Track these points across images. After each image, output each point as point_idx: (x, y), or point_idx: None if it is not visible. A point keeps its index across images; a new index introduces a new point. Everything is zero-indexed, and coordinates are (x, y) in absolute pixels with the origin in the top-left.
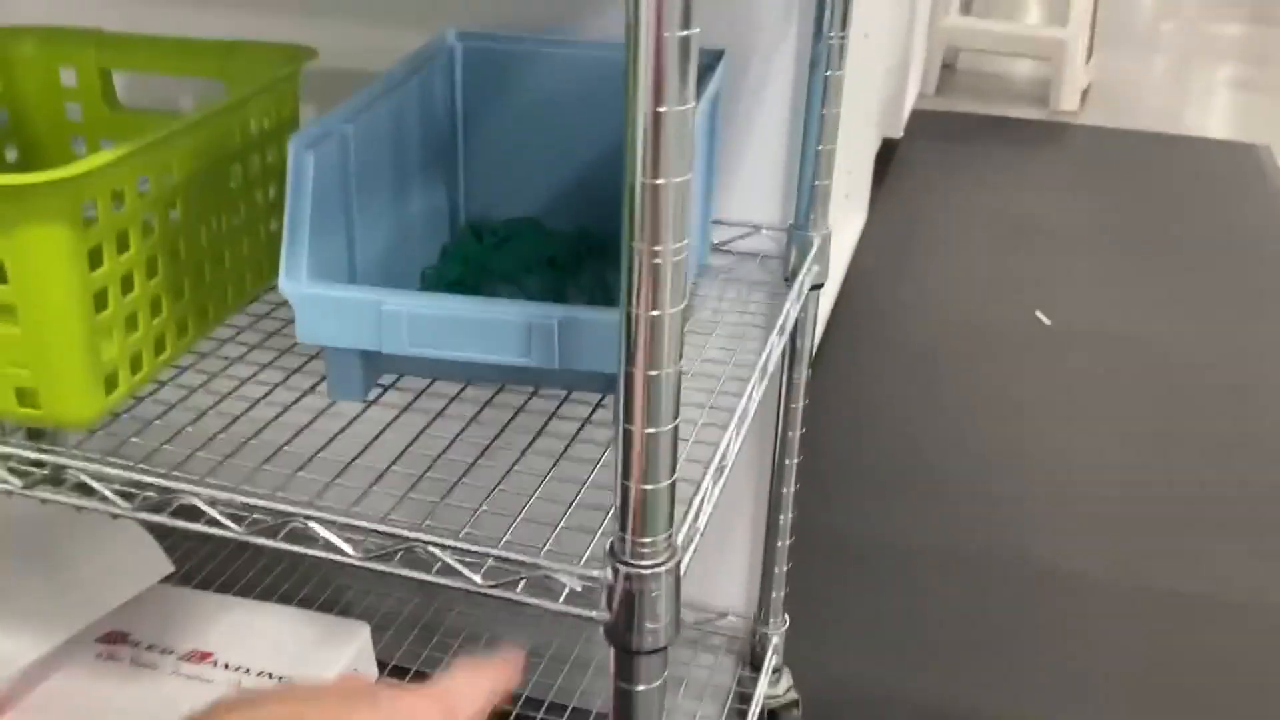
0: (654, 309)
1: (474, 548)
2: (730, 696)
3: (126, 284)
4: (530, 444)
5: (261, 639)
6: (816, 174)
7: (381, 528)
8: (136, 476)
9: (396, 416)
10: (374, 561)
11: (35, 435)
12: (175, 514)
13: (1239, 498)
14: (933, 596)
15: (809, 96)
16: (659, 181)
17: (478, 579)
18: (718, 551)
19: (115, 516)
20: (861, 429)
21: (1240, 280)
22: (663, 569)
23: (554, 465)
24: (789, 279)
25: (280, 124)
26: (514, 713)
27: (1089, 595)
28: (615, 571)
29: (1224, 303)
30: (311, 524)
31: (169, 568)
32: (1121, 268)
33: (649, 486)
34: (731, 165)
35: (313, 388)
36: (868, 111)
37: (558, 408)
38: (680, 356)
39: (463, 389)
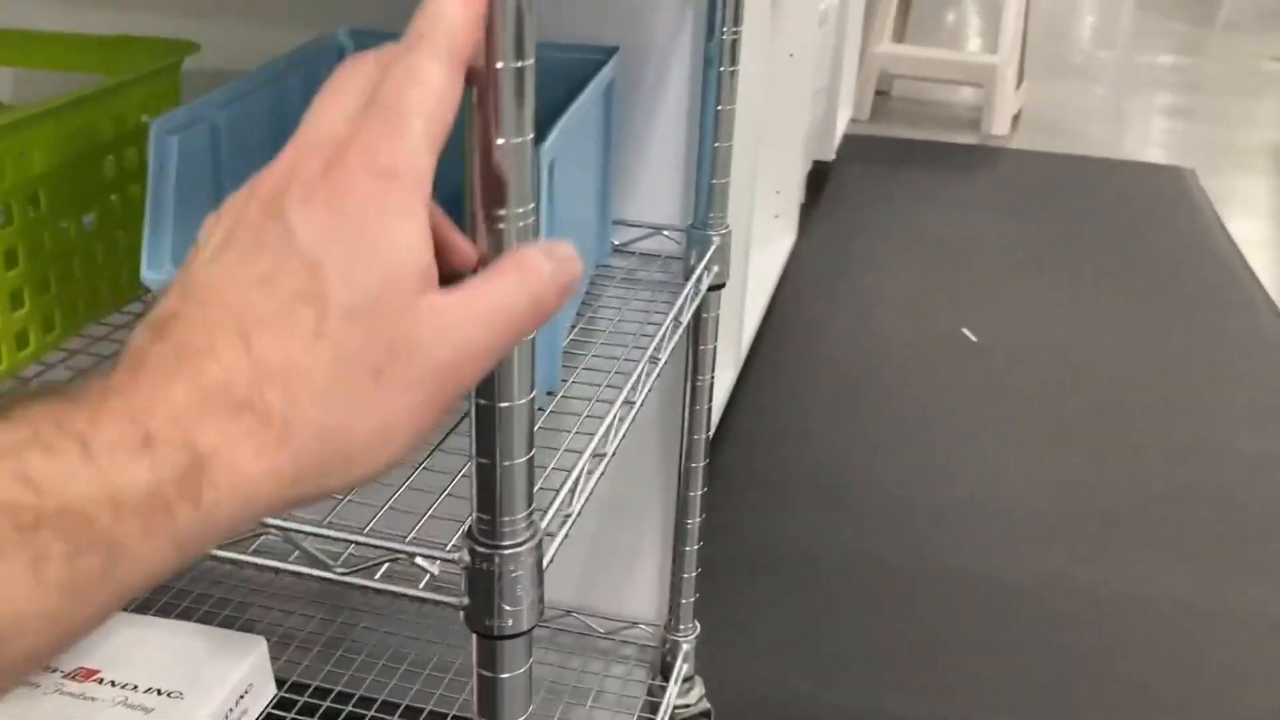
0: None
1: (333, 533)
2: (640, 707)
3: None
4: None
5: (151, 655)
6: (714, 172)
7: None
8: None
9: None
10: (228, 549)
11: None
12: None
13: (1163, 508)
14: (853, 607)
15: (704, 93)
16: (499, 213)
17: (337, 567)
18: (627, 560)
19: None
20: (787, 442)
21: (1164, 297)
22: (522, 549)
23: (427, 455)
24: (688, 278)
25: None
26: None
27: (1012, 605)
28: (472, 553)
29: (1148, 319)
30: None
31: None
32: (1048, 287)
33: (506, 463)
34: (632, 166)
35: None
36: (795, 131)
37: None
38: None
39: None
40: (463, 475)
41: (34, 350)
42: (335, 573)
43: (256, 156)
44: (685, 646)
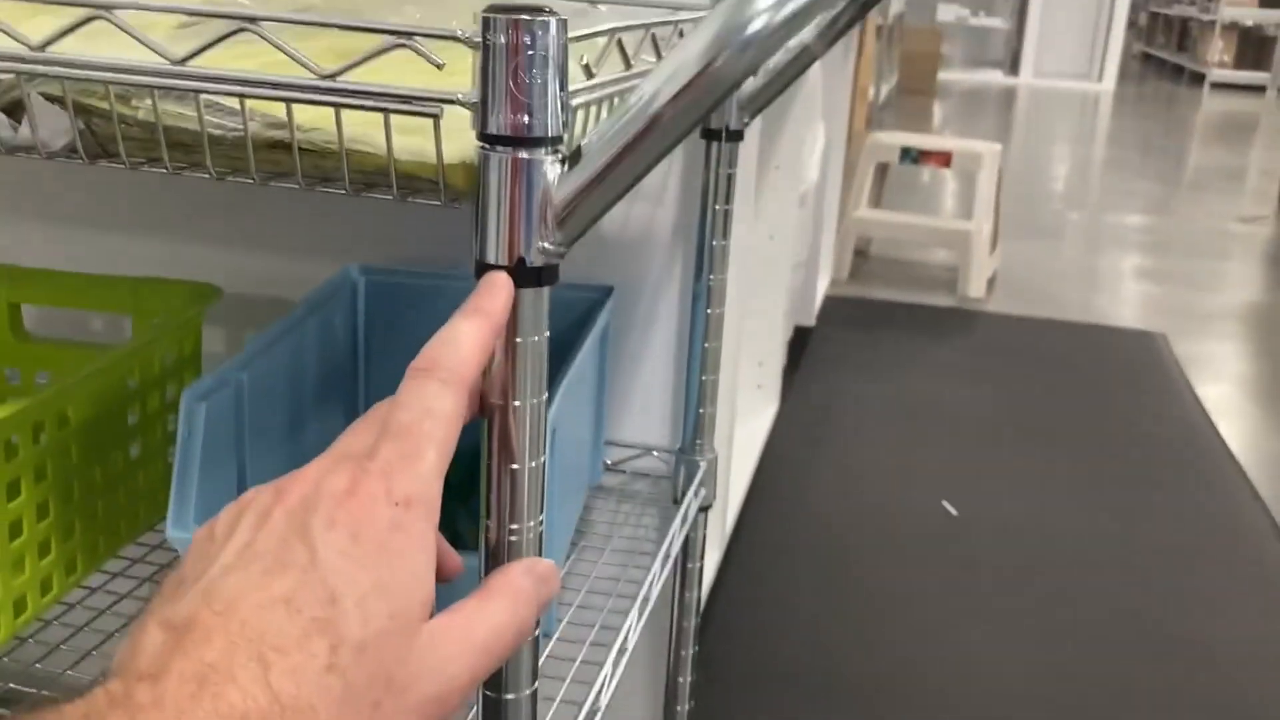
0: (512, 522)
1: None
2: None
3: (15, 529)
4: None
5: None
6: (701, 402)
7: None
8: None
9: None
10: None
11: None
12: None
13: (1138, 694)
14: None
15: (691, 331)
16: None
17: None
18: None
19: None
20: (768, 620)
21: (1139, 471)
22: None
23: None
24: (677, 501)
25: (181, 360)
26: None
27: None
28: None
29: (1125, 495)
30: None
31: None
32: (1026, 457)
33: (509, 696)
34: (625, 391)
35: None
36: (776, 304)
37: None
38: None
39: None
40: None
41: (56, 593)
42: None
43: (277, 406)
44: None
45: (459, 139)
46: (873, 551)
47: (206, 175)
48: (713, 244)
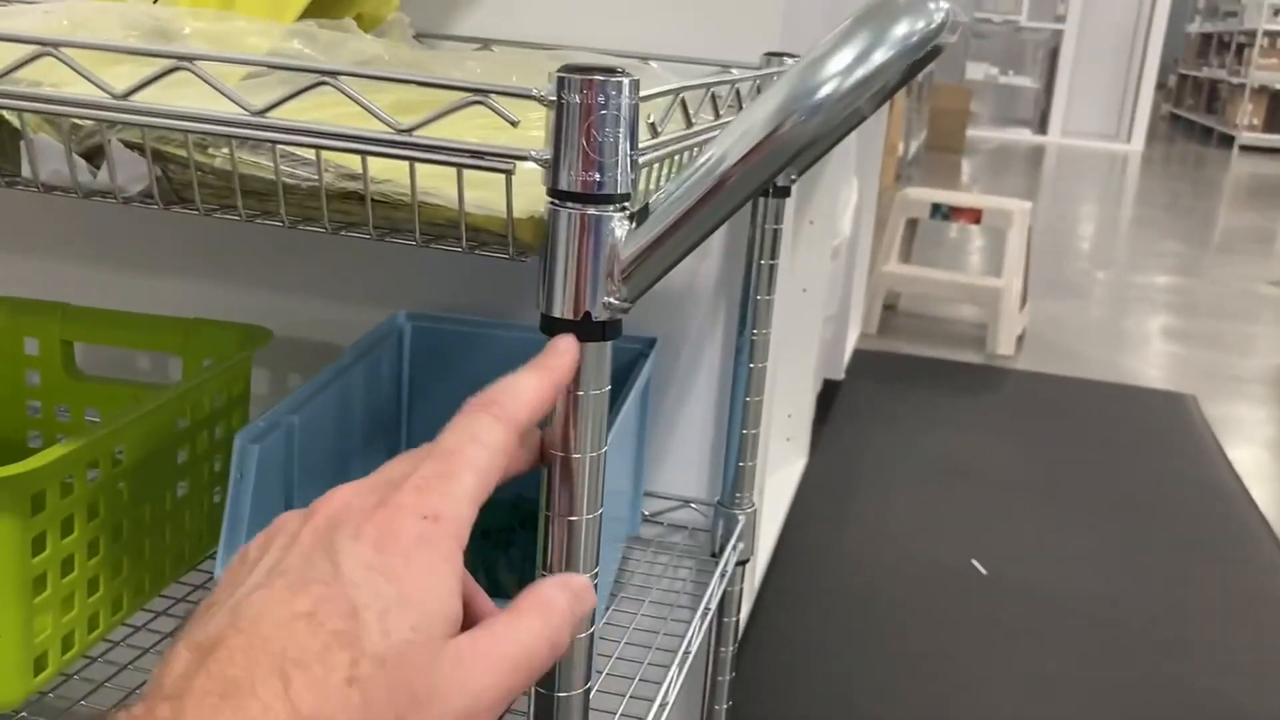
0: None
1: None
2: None
3: (67, 566)
4: None
5: None
6: (741, 456)
7: None
8: None
9: None
10: None
11: None
12: None
13: None
14: None
15: (734, 385)
16: (575, 455)
17: None
18: None
19: None
20: (795, 674)
21: (1170, 533)
22: None
23: None
24: (715, 554)
25: (230, 401)
26: None
27: None
28: None
29: (1155, 557)
30: None
31: None
32: (1055, 517)
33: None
34: (664, 442)
35: None
36: (807, 359)
37: None
38: (592, 623)
39: None
40: None
41: (103, 630)
42: None
43: (325, 450)
44: None
45: (526, 193)
46: (901, 608)
47: (280, 224)
48: (757, 299)
